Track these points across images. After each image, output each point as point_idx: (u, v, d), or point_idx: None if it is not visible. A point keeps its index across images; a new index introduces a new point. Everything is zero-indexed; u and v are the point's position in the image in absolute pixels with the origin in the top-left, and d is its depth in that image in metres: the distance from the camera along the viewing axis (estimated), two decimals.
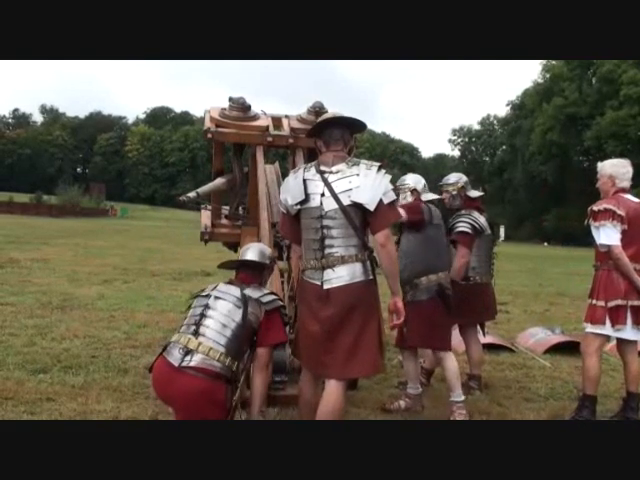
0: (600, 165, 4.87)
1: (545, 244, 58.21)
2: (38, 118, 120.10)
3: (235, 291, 3.69)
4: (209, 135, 5.58)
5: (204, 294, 3.74)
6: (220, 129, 5.62)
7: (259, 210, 5.34)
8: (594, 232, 4.64)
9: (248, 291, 3.70)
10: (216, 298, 3.66)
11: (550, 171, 64.34)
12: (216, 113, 5.73)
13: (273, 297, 3.78)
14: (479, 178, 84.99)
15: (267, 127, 5.71)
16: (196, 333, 3.49)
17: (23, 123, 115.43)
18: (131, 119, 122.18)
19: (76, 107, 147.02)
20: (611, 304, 4.56)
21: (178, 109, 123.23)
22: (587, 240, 5.06)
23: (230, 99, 5.77)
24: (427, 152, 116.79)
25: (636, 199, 4.76)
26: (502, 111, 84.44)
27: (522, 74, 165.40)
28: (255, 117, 5.82)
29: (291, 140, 5.67)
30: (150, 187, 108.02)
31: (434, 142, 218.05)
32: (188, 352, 3.42)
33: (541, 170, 65.40)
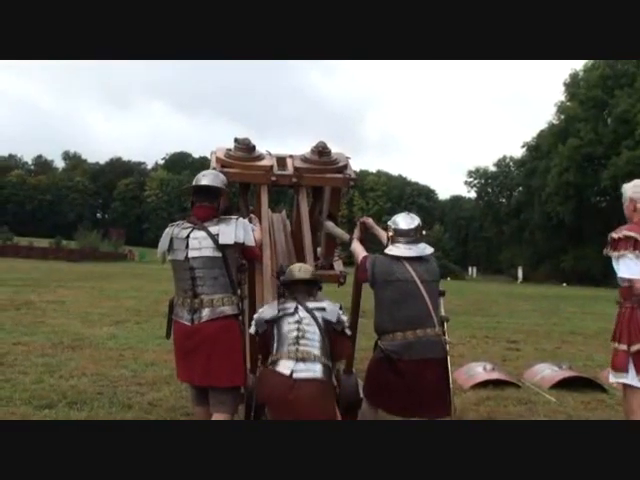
0: (622, 189, 4.36)
1: (564, 284, 57.56)
2: (60, 164, 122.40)
3: (206, 242, 4.06)
4: None
5: (180, 259, 4.09)
6: (225, 169, 5.75)
7: (262, 249, 5.39)
8: (614, 263, 4.07)
9: (214, 230, 4.10)
10: (194, 258, 4.04)
11: (567, 212, 63.98)
12: (222, 154, 5.88)
13: (239, 234, 4.16)
14: (496, 219, 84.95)
15: (271, 167, 5.84)
16: (195, 294, 3.99)
17: (45, 169, 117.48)
18: (150, 164, 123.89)
19: (97, 154, 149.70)
20: (634, 348, 3.92)
21: (197, 154, 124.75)
22: (605, 280, 4.94)
23: (235, 140, 5.92)
24: (444, 194, 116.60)
25: None
26: (518, 152, 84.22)
27: (536, 115, 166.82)
28: (260, 157, 5.95)
29: (295, 179, 5.80)
30: None
31: (450, 184, 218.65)
32: (195, 311, 3.96)
33: (558, 211, 65.12)
